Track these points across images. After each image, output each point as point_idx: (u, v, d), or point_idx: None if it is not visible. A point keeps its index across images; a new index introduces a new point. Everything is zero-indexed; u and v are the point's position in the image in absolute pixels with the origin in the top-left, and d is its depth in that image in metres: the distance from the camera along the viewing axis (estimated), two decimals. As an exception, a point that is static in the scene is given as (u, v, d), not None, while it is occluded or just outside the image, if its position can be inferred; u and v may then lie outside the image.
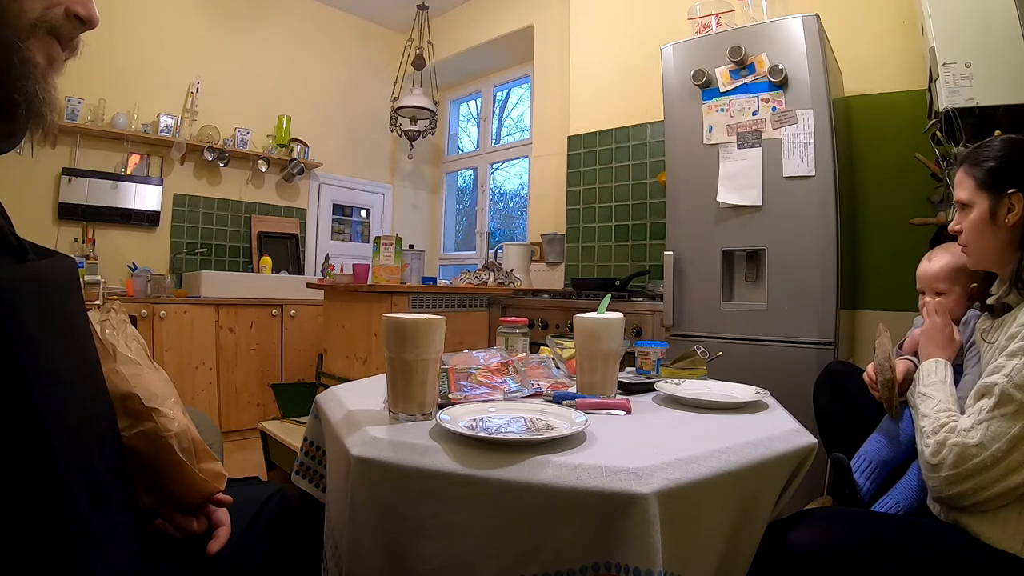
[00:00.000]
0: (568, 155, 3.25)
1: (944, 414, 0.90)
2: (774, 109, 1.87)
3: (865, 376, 1.23)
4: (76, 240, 3.15)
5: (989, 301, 1.01)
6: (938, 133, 1.65)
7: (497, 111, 4.53)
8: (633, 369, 1.33)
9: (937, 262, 1.26)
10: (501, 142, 4.47)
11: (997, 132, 1.46)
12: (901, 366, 1.19)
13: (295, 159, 3.90)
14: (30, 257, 0.56)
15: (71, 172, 3.13)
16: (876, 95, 2.25)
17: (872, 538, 0.84)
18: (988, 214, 0.98)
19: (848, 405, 1.38)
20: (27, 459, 0.49)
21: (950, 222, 1.08)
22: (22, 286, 0.50)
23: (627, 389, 1.11)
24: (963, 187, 1.03)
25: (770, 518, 0.79)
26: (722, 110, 1.97)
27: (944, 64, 1.55)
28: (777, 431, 0.84)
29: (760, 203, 1.88)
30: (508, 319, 1.32)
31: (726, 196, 1.94)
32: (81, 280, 0.62)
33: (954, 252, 1.19)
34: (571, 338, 1.11)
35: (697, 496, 0.67)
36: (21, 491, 0.49)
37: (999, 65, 1.52)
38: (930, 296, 1.27)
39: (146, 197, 3.36)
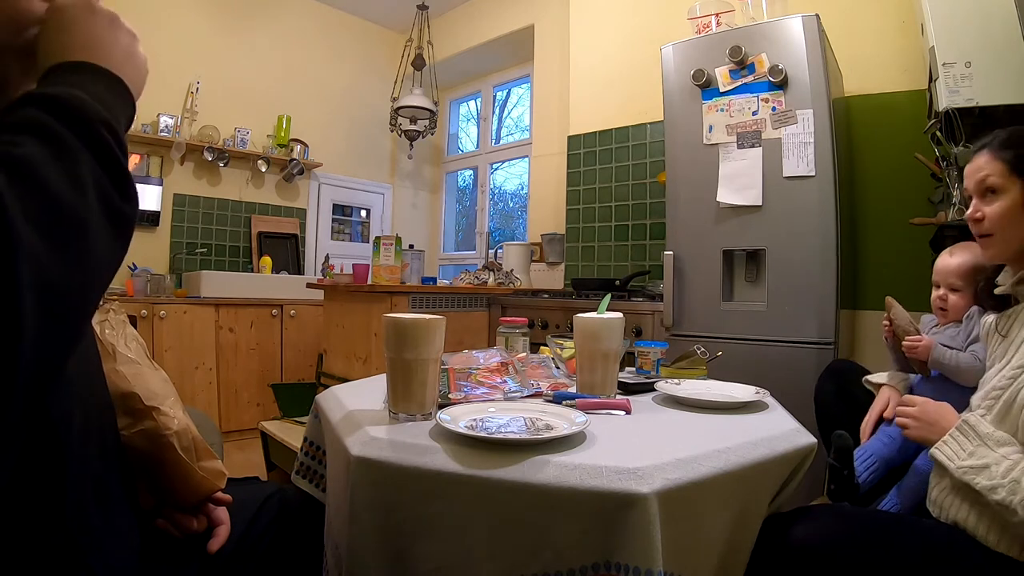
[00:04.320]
0: (568, 155, 3.25)
1: (1015, 470, 0.79)
2: (774, 109, 1.87)
3: (887, 330, 1.31)
4: (76, 240, 3.14)
5: (1000, 291, 0.97)
6: (938, 133, 1.65)
7: (497, 111, 4.53)
8: (633, 369, 1.33)
9: (957, 258, 1.26)
10: (501, 142, 4.47)
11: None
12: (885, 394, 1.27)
13: (295, 159, 3.90)
14: None
15: (71, 172, 3.12)
16: (876, 95, 2.25)
17: (871, 535, 0.84)
18: (1022, 201, 0.91)
19: (849, 405, 1.38)
20: (35, 458, 0.49)
21: (950, 223, 1.07)
22: None
23: (627, 389, 1.11)
24: (991, 170, 0.94)
25: (768, 514, 0.79)
26: (722, 110, 1.97)
27: (944, 64, 1.55)
28: (777, 431, 0.84)
29: (760, 203, 1.88)
30: (508, 319, 1.31)
31: (726, 196, 1.94)
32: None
33: (975, 251, 1.15)
34: (571, 338, 1.11)
35: (697, 496, 0.67)
36: (25, 489, 0.49)
37: (999, 65, 1.52)
38: (945, 290, 1.27)
39: (146, 197, 3.35)
